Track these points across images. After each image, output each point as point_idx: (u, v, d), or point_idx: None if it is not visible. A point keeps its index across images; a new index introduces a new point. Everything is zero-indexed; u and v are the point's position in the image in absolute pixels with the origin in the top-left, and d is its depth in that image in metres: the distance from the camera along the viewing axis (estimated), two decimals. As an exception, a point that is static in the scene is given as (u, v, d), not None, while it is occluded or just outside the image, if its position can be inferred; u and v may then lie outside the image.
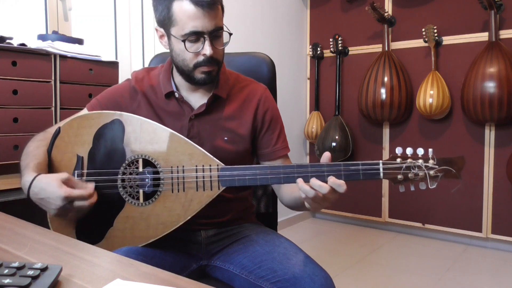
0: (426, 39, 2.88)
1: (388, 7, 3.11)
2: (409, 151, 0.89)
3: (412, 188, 0.90)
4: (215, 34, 1.02)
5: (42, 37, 1.72)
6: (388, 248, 2.86)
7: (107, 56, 1.91)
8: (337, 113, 3.29)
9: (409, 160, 0.89)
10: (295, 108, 3.48)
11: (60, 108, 1.64)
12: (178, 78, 1.12)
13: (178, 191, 0.97)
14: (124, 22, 2.38)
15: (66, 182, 0.91)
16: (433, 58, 2.86)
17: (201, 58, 1.02)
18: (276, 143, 1.15)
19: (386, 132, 3.19)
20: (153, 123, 1.01)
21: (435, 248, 2.84)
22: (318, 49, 3.41)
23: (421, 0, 2.99)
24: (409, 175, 0.89)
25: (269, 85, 1.25)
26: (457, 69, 2.83)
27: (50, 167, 1.02)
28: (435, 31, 2.83)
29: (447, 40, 2.88)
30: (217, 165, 0.97)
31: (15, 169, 1.42)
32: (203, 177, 0.96)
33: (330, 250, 2.84)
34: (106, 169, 1.00)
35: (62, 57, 1.65)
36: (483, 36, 2.74)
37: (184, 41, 1.00)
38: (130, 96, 1.13)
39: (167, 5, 1.00)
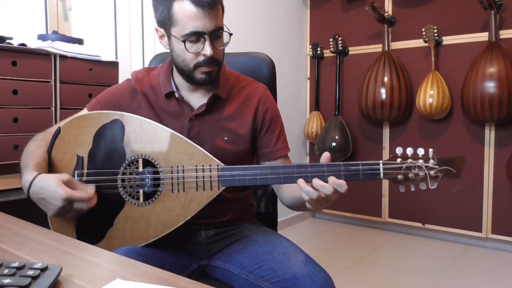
0: (426, 39, 2.88)
1: (388, 7, 3.11)
2: (409, 151, 0.89)
3: (413, 188, 0.90)
4: (216, 34, 1.02)
5: (42, 37, 1.72)
6: (388, 248, 2.86)
7: (107, 56, 1.91)
8: (337, 113, 3.29)
9: (409, 160, 0.89)
10: (295, 108, 3.48)
11: (60, 108, 1.64)
12: (178, 78, 1.12)
13: (178, 191, 0.97)
14: (124, 22, 2.38)
15: (67, 183, 0.91)
16: (433, 58, 2.86)
17: (201, 58, 1.02)
18: (276, 143, 1.15)
19: (386, 132, 3.19)
20: (153, 123, 1.01)
21: (435, 248, 2.84)
22: (318, 49, 3.41)
23: (421, 0, 2.99)
24: (410, 175, 0.88)
25: (269, 85, 1.25)
26: (457, 69, 2.83)
27: (50, 167, 1.02)
28: (435, 31, 2.83)
29: (447, 40, 2.88)
30: (217, 165, 0.97)
31: (15, 169, 1.42)
32: (203, 177, 0.96)
33: (330, 250, 2.84)
34: (106, 169, 1.00)
35: (62, 57, 1.65)
36: (483, 36, 2.74)
37: (184, 41, 1.00)
38: (130, 96, 1.13)
39: (168, 5, 1.00)
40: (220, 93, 1.10)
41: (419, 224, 3.06)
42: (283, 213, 3.24)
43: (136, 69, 1.34)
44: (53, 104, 1.62)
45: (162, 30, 1.07)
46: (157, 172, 0.98)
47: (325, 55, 3.45)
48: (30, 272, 0.53)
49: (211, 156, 0.97)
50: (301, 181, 0.89)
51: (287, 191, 1.10)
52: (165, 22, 1.03)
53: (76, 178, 1.00)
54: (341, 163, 0.89)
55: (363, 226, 3.36)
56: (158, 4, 1.03)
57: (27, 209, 1.02)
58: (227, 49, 1.10)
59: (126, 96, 1.13)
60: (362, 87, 3.04)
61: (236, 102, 1.13)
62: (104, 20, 2.33)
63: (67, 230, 1.00)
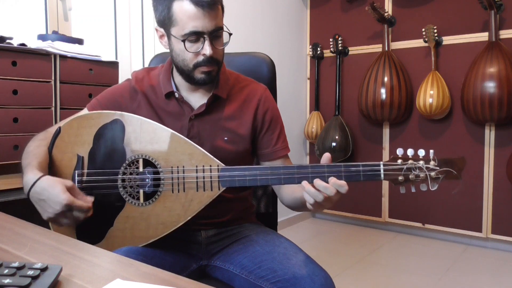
0: (426, 39, 2.88)
1: (388, 7, 3.11)
2: (410, 152, 0.89)
3: (413, 190, 0.90)
4: (215, 34, 1.02)
5: (42, 37, 1.72)
6: (388, 248, 2.86)
7: (107, 56, 1.91)
8: (337, 113, 3.29)
9: (410, 161, 0.89)
10: (295, 108, 3.48)
11: (60, 108, 1.64)
12: (178, 78, 1.11)
13: (178, 191, 0.97)
14: (124, 22, 2.38)
15: (69, 190, 0.91)
16: (433, 58, 2.86)
17: (201, 58, 1.02)
18: (276, 143, 1.15)
19: (386, 132, 3.19)
20: (153, 123, 1.01)
21: (435, 248, 2.84)
22: (318, 49, 3.41)
23: (421, 0, 2.99)
24: (410, 176, 0.88)
25: (269, 85, 1.25)
26: (457, 69, 2.83)
27: (51, 167, 1.02)
28: (435, 31, 2.83)
29: (447, 40, 2.88)
30: (217, 166, 0.97)
31: (15, 169, 1.43)
32: (203, 178, 0.96)
33: (330, 250, 2.84)
34: (106, 169, 1.00)
35: (62, 57, 1.65)
36: (483, 36, 2.74)
37: (184, 41, 1.00)
38: (130, 96, 1.13)
39: (167, 5, 1.00)
40: (220, 93, 1.10)
41: (419, 224, 3.06)
42: (283, 213, 3.24)
43: (136, 69, 1.34)
44: (53, 104, 1.62)
45: (162, 30, 1.07)
46: (158, 172, 0.98)
47: (325, 55, 3.45)
48: (30, 272, 0.53)
49: (211, 156, 0.97)
50: (305, 183, 0.88)
51: (287, 192, 1.10)
52: (165, 21, 1.03)
53: (76, 178, 1.00)
54: (342, 164, 0.89)
55: (363, 226, 3.36)
56: (158, 4, 1.03)
57: (27, 209, 1.01)
58: (227, 49, 1.10)
59: (126, 96, 1.13)
60: (362, 87, 3.04)
61: (236, 102, 1.13)
62: (104, 20, 2.33)
63: (67, 230, 1.00)
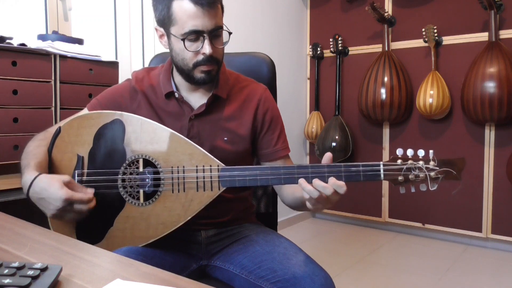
0: (426, 39, 2.88)
1: (388, 7, 3.11)
2: (409, 152, 0.89)
3: (413, 190, 0.90)
4: (215, 33, 1.02)
5: (42, 37, 1.72)
6: (388, 248, 2.86)
7: (107, 56, 1.91)
8: (337, 113, 3.29)
9: (409, 161, 0.89)
10: (295, 108, 3.48)
11: (60, 108, 1.64)
12: (178, 78, 1.11)
13: (179, 191, 0.97)
14: (124, 22, 2.38)
15: (67, 185, 0.91)
16: (433, 58, 2.86)
17: (200, 57, 1.02)
18: (276, 144, 1.15)
19: (386, 132, 3.19)
20: (153, 123, 1.01)
21: (435, 248, 2.84)
22: (318, 49, 3.41)
23: (421, 0, 2.99)
24: (410, 176, 0.88)
25: (269, 85, 1.25)
26: (457, 69, 2.83)
27: (51, 166, 1.02)
28: (435, 31, 2.83)
29: (447, 40, 2.88)
30: (218, 166, 0.97)
31: (15, 169, 1.43)
32: (204, 178, 0.96)
33: (330, 250, 2.84)
34: (106, 169, 1.00)
35: (62, 57, 1.65)
36: (483, 36, 2.74)
37: (183, 40, 1.00)
38: (130, 96, 1.13)
39: (167, 4, 1.00)
40: (220, 93, 1.10)
41: (419, 224, 3.06)
42: (283, 213, 3.24)
43: (136, 69, 1.34)
44: (53, 104, 1.62)
45: (161, 29, 1.07)
46: (158, 172, 0.98)
47: (325, 55, 3.45)
48: (30, 272, 0.53)
49: (211, 156, 0.97)
50: (302, 180, 0.89)
51: (288, 191, 1.10)
52: (165, 21, 1.03)
53: (76, 178, 1.00)
54: (342, 164, 0.89)
55: (363, 226, 3.36)
56: (157, 3, 1.03)
57: (27, 209, 1.01)
58: (227, 49, 1.10)
59: (126, 96, 1.13)
60: (362, 87, 3.04)
61: (236, 102, 1.13)
62: (104, 20, 2.33)
63: (67, 230, 1.00)
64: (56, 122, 1.61)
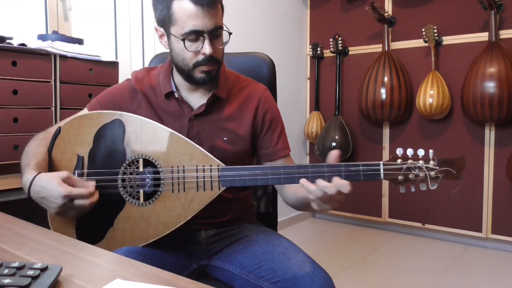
0: (426, 39, 2.88)
1: (388, 7, 3.11)
2: (409, 152, 0.89)
3: (413, 189, 0.90)
4: (215, 33, 1.02)
5: (42, 37, 1.72)
6: (388, 248, 2.86)
7: (107, 56, 1.91)
8: (337, 113, 3.29)
9: (409, 161, 0.89)
10: (295, 108, 3.48)
11: (60, 108, 1.64)
12: (178, 78, 1.11)
13: (179, 191, 0.97)
14: (124, 22, 2.38)
15: (66, 181, 0.91)
16: (433, 58, 2.86)
17: (200, 57, 1.02)
18: (277, 144, 1.15)
19: (386, 132, 3.19)
20: (153, 123, 1.01)
21: (435, 248, 2.84)
22: (318, 49, 3.41)
23: (421, 0, 2.99)
24: (410, 176, 0.88)
25: (269, 85, 1.25)
26: (457, 69, 2.83)
27: (51, 166, 1.02)
28: (435, 31, 2.83)
29: (447, 40, 2.88)
30: (218, 165, 0.97)
31: (15, 169, 1.43)
32: (204, 177, 0.96)
33: (330, 250, 2.84)
34: (106, 169, 1.00)
35: (62, 57, 1.65)
36: (483, 36, 2.74)
37: (183, 40, 1.00)
38: (130, 96, 1.13)
39: (167, 4, 1.00)
40: (219, 93, 1.10)
41: (419, 224, 3.06)
42: (283, 213, 3.24)
43: (136, 69, 1.34)
44: (53, 104, 1.62)
45: (161, 29, 1.07)
46: (158, 172, 0.98)
47: (325, 55, 3.45)
48: (30, 272, 0.53)
49: (212, 156, 0.97)
50: (304, 180, 0.88)
51: (290, 191, 1.10)
52: (165, 21, 1.03)
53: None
54: (342, 163, 0.89)
55: (363, 226, 3.36)
56: (157, 3, 1.03)
57: (27, 209, 1.02)
58: (227, 49, 1.10)
59: (126, 96, 1.13)
60: (362, 87, 3.04)
61: (236, 102, 1.13)
62: (104, 20, 2.33)
63: (67, 230, 1.00)
64: (56, 122, 1.61)
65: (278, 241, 1.06)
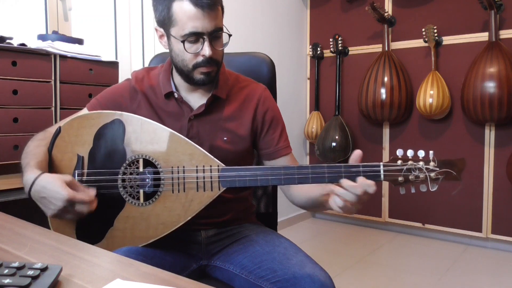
0: (426, 39, 2.88)
1: (388, 7, 3.11)
2: (410, 153, 0.89)
3: (413, 190, 0.90)
4: (215, 35, 1.02)
5: (42, 37, 1.72)
6: (388, 248, 2.86)
7: (107, 56, 1.91)
8: (337, 113, 3.29)
9: (410, 162, 0.89)
10: (295, 108, 3.48)
11: (60, 108, 1.64)
12: (177, 78, 1.11)
13: (179, 192, 0.97)
14: (124, 22, 2.38)
15: (69, 185, 0.91)
16: (433, 58, 2.86)
17: (200, 58, 1.02)
18: (278, 143, 1.15)
19: (386, 132, 3.19)
20: (153, 123, 1.01)
21: (435, 248, 2.84)
22: (318, 49, 3.41)
23: (421, 0, 2.99)
24: (410, 177, 0.88)
25: (269, 85, 1.25)
26: (457, 69, 2.83)
27: (51, 166, 1.02)
28: (435, 31, 2.83)
29: (447, 40, 2.88)
30: (218, 166, 0.97)
31: (15, 169, 1.43)
32: (204, 178, 0.96)
33: (330, 250, 2.84)
34: (106, 169, 1.00)
35: (62, 57, 1.65)
36: (483, 36, 2.74)
37: (183, 41, 1.00)
38: (130, 96, 1.13)
39: (167, 5, 1.00)
40: (219, 94, 1.10)
41: (419, 224, 3.06)
42: (283, 213, 3.24)
43: (136, 69, 1.34)
44: (53, 104, 1.62)
45: (161, 30, 1.07)
46: (158, 172, 0.98)
47: (325, 55, 3.45)
48: (30, 272, 0.53)
49: (212, 156, 0.97)
50: (334, 186, 0.87)
51: (301, 191, 1.09)
52: (165, 22, 1.03)
53: (76, 178, 1.00)
54: (342, 164, 0.89)
55: (363, 226, 3.36)
56: (158, 3, 1.03)
57: (27, 209, 1.02)
58: (227, 49, 1.10)
59: (126, 96, 1.13)
60: (362, 87, 3.04)
61: (235, 102, 1.13)
62: (104, 20, 2.33)
63: (67, 230, 1.00)
64: (56, 122, 1.62)
65: (278, 241, 1.06)
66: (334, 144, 3.15)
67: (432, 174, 0.88)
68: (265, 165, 1.17)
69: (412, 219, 3.09)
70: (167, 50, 1.09)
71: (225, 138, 1.10)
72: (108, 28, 2.34)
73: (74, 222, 1.00)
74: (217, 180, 0.96)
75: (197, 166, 0.97)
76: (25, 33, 1.91)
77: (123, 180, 0.99)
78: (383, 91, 2.90)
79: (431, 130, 3.00)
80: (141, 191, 0.99)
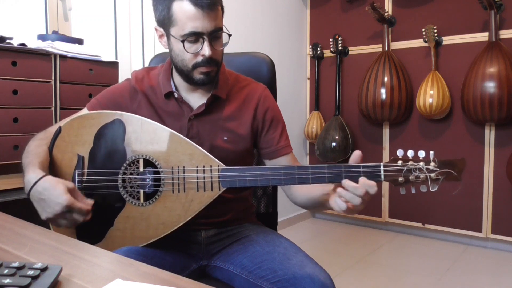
0: (426, 39, 2.88)
1: (388, 7, 3.11)
2: (410, 153, 0.89)
3: (413, 191, 0.90)
4: (215, 35, 1.02)
5: (42, 37, 1.72)
6: (388, 248, 2.86)
7: (107, 56, 1.91)
8: (337, 113, 3.29)
9: (410, 162, 0.89)
10: (295, 108, 3.48)
11: (60, 108, 1.64)
12: (177, 78, 1.11)
13: (179, 192, 0.97)
14: (124, 22, 2.38)
15: (71, 192, 0.91)
16: (433, 58, 2.86)
17: (200, 58, 1.02)
18: (278, 142, 1.15)
19: (386, 132, 3.19)
20: (153, 123, 1.01)
21: (435, 248, 2.84)
22: (318, 49, 3.41)
23: (421, 0, 2.99)
24: (410, 177, 0.88)
25: (269, 85, 1.25)
26: (457, 69, 2.83)
27: (51, 166, 1.02)
28: (435, 31, 2.83)
29: (447, 40, 2.88)
30: (218, 166, 0.97)
31: (15, 169, 1.43)
32: (204, 178, 0.96)
33: (330, 250, 2.84)
34: (106, 169, 1.00)
35: (62, 57, 1.65)
36: (483, 36, 2.74)
37: (183, 41, 1.00)
38: (130, 96, 1.13)
39: (167, 5, 1.00)
40: (219, 93, 1.10)
41: (419, 224, 3.06)
42: (283, 213, 3.24)
43: (136, 69, 1.34)
44: (53, 104, 1.62)
45: (161, 29, 1.07)
46: (158, 172, 0.98)
47: (325, 55, 3.45)
48: (30, 272, 0.53)
49: (212, 156, 0.97)
50: (345, 182, 0.87)
51: (301, 191, 1.09)
52: (165, 21, 1.03)
53: (76, 177, 1.00)
54: (342, 164, 0.89)
55: (363, 226, 3.36)
56: (158, 3, 1.03)
57: (27, 209, 1.01)
58: (227, 49, 1.10)
59: (126, 96, 1.13)
60: (362, 87, 3.04)
61: (235, 102, 1.13)
62: (104, 20, 2.33)
63: (67, 230, 1.00)
64: (56, 122, 1.62)
65: (278, 241, 1.06)
66: (334, 144, 3.15)
67: (433, 175, 0.87)
68: (265, 164, 1.17)
69: (412, 219, 3.09)
70: (167, 50, 1.09)
71: (225, 138, 1.10)
72: (108, 28, 2.34)
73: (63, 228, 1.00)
74: (217, 180, 0.96)
75: (197, 166, 0.97)
76: (25, 33, 1.91)
77: (123, 180, 0.99)
78: (383, 91, 2.90)
79: (431, 130, 3.00)
80: (141, 191, 0.99)
